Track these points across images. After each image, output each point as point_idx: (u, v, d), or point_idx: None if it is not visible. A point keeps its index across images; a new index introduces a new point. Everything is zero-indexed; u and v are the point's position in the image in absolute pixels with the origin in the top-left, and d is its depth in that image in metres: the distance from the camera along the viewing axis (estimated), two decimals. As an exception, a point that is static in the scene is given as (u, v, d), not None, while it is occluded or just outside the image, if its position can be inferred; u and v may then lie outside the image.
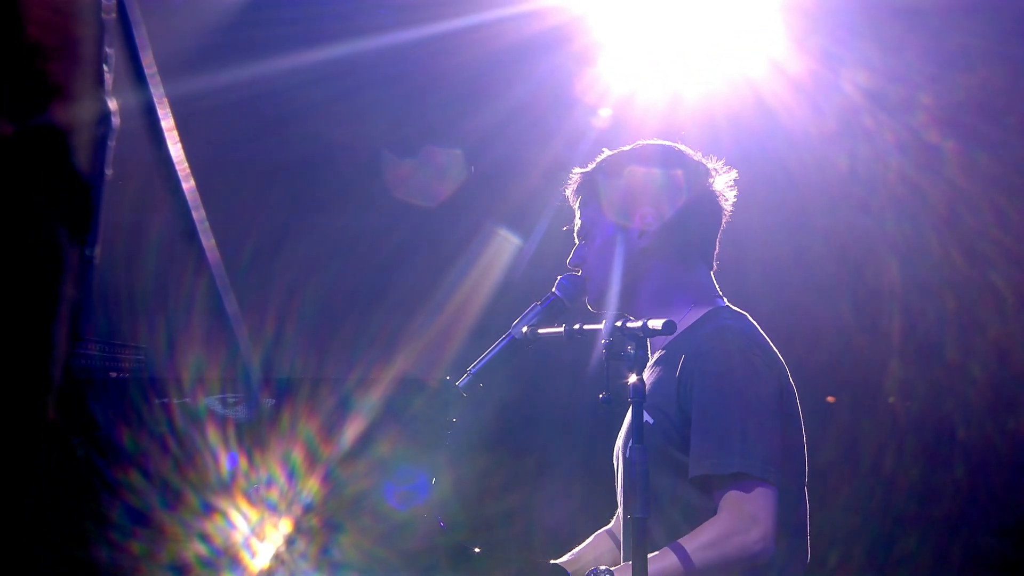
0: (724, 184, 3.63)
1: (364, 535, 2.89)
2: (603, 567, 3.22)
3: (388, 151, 6.45)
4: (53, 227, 1.28)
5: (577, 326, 3.31)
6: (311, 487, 2.83)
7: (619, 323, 3.12)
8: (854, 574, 6.72)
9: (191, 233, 1.36)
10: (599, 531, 3.79)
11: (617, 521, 3.69)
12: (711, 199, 3.61)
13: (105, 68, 1.48)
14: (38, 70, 1.34)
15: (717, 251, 3.65)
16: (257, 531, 2.76)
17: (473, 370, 3.40)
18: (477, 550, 3.23)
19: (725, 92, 6.06)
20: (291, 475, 2.83)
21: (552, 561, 3.65)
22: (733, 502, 3.21)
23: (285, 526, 2.80)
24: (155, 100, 1.43)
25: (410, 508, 2.98)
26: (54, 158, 1.33)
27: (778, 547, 3.25)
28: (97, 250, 1.33)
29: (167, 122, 1.46)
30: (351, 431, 2.91)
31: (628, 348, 3.07)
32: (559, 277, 3.56)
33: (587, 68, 6.11)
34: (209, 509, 2.77)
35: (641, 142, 3.68)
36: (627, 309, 3.49)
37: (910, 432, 6.70)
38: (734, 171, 3.66)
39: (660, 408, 3.37)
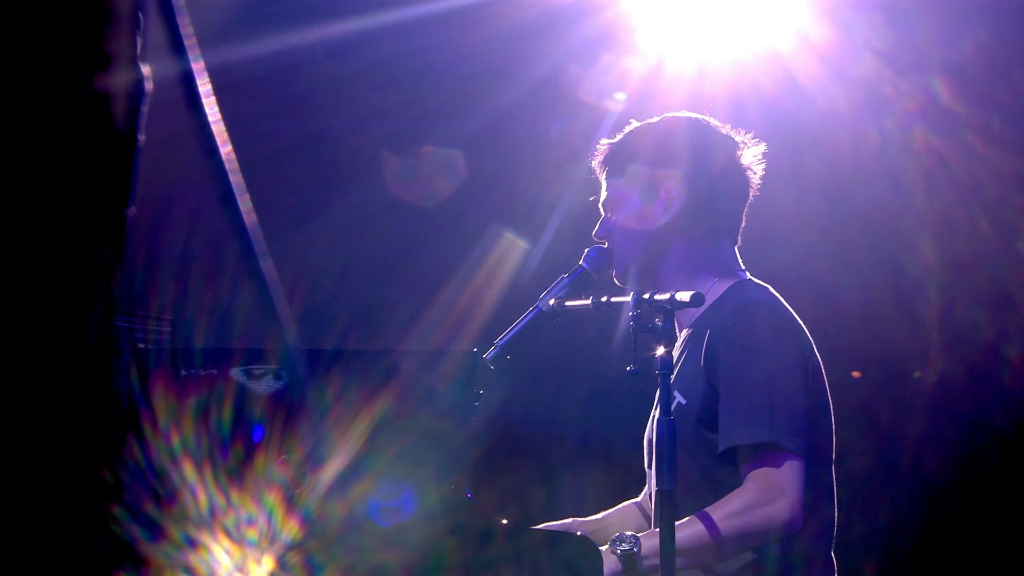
0: (752, 157, 3.59)
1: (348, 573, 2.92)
2: (629, 532, 3.21)
3: (389, 152, 6.46)
4: (92, 189, 1.29)
5: (604, 298, 3.30)
6: (291, 527, 2.87)
7: (646, 295, 3.11)
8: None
9: (227, 196, 1.36)
10: (628, 501, 3.79)
11: (647, 497, 3.68)
12: (738, 172, 3.57)
13: (138, 32, 1.48)
14: (79, 35, 1.35)
15: (743, 225, 3.61)
16: (241, 567, 2.79)
17: (500, 342, 3.40)
18: (504, 522, 3.25)
19: (751, 63, 6.03)
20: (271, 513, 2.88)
21: (576, 519, 3.67)
22: (760, 473, 3.19)
23: (268, 563, 2.83)
24: (192, 64, 1.44)
25: (395, 524, 3.00)
26: (93, 122, 1.34)
27: (805, 523, 3.24)
28: (132, 210, 1.33)
29: (204, 86, 1.46)
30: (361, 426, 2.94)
31: (656, 320, 3.06)
32: (586, 249, 3.56)
33: (612, 41, 6.08)
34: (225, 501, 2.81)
35: (668, 114, 3.65)
36: (650, 284, 3.44)
37: (945, 419, 6.63)
38: (763, 144, 3.62)
39: (690, 387, 3.35)
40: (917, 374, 6.69)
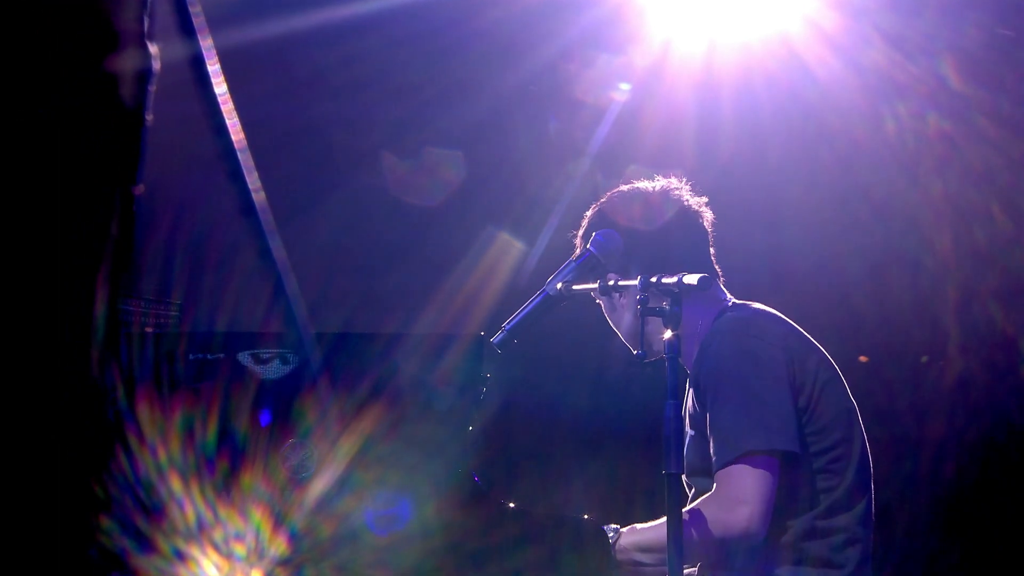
0: (689, 194, 3.67)
1: None
2: (616, 525, 3.34)
3: (389, 153, 6.46)
4: (100, 168, 1.28)
5: (611, 282, 3.31)
6: (279, 543, 2.89)
7: (653, 279, 3.12)
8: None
9: (237, 174, 1.36)
10: None
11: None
12: (692, 213, 3.65)
13: (145, 11, 1.48)
14: (87, 14, 1.35)
15: (715, 258, 3.67)
16: None
17: (507, 326, 3.41)
18: (512, 505, 3.25)
19: (759, 49, 6.01)
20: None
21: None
22: (723, 482, 3.27)
23: None
24: (201, 43, 1.43)
25: (391, 533, 3.01)
26: (102, 101, 1.34)
27: (832, 518, 3.33)
28: (140, 188, 1.33)
29: (213, 66, 1.45)
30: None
31: (663, 304, 3.07)
32: (594, 233, 3.55)
33: (619, 26, 6.06)
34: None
35: (602, 198, 3.70)
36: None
37: (963, 415, 6.59)
38: (685, 180, 3.71)
39: (696, 419, 3.43)
40: (924, 359, 6.67)
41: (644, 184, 3.69)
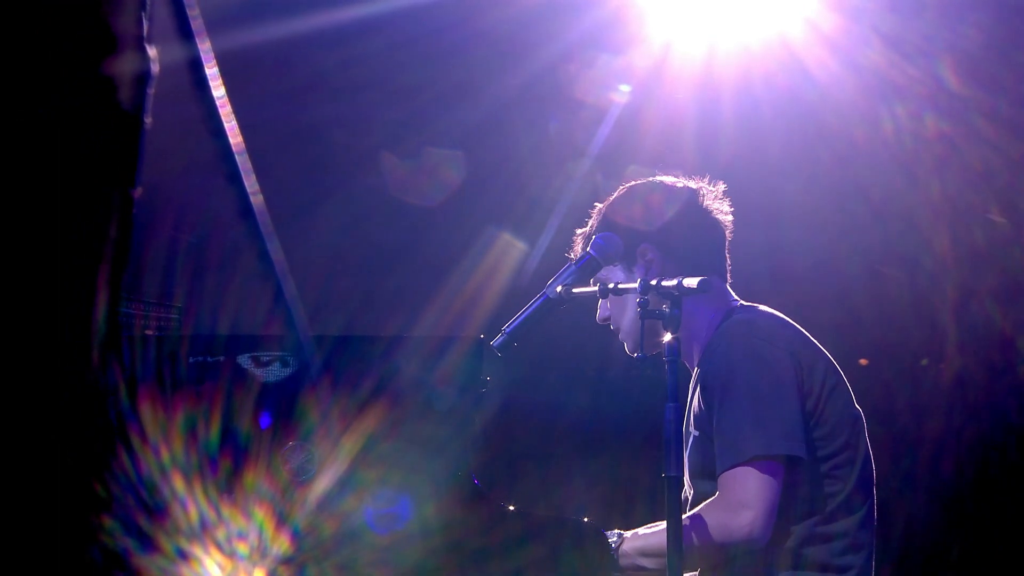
0: (714, 198, 3.65)
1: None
2: (619, 530, 3.33)
3: (389, 153, 6.46)
4: (99, 171, 1.29)
5: (612, 285, 3.31)
6: (282, 542, 2.90)
7: (653, 282, 3.12)
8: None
9: (235, 176, 1.36)
10: None
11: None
12: (703, 216, 3.62)
13: (144, 14, 1.48)
14: (86, 17, 1.35)
15: (729, 264, 3.65)
16: None
17: (508, 329, 3.40)
18: (512, 508, 3.26)
19: (758, 51, 6.01)
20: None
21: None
22: (727, 487, 3.26)
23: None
24: (199, 45, 1.43)
25: (391, 532, 3.02)
26: (101, 103, 1.34)
27: (833, 523, 3.33)
28: (139, 191, 1.34)
29: (211, 69, 1.46)
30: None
31: (663, 306, 3.07)
32: (594, 236, 3.55)
33: (619, 28, 6.07)
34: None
35: (623, 187, 3.70)
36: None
37: (961, 415, 6.59)
38: (722, 184, 3.68)
39: (701, 420, 3.42)
40: (924, 362, 6.67)
41: (656, 181, 3.67)
